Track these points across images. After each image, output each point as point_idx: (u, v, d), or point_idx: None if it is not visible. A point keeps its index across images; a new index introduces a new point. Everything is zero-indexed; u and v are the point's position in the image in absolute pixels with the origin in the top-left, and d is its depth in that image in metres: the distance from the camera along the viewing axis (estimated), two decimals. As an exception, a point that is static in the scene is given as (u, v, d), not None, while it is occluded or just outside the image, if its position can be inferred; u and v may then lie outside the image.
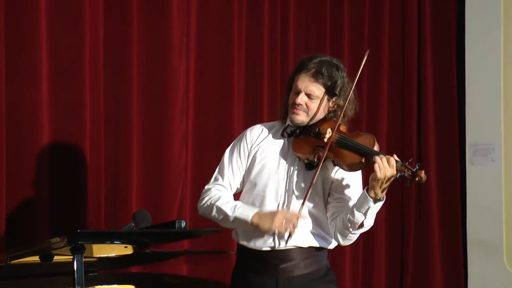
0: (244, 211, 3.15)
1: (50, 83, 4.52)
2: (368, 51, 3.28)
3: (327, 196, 3.21)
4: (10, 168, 4.37)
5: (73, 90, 4.61)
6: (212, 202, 3.25)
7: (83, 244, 2.86)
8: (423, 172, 3.01)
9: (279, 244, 3.14)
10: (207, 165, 5.21)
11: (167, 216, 4.86)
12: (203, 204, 3.31)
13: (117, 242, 3.46)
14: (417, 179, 3.00)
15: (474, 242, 6.53)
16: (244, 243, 3.22)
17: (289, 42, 5.73)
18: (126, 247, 3.52)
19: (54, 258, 3.25)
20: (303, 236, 3.17)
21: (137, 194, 4.86)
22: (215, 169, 5.13)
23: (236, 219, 3.14)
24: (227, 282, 4.12)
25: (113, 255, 3.68)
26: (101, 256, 3.64)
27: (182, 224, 3.55)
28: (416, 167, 3.02)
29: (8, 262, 3.31)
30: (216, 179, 3.37)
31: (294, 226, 3.03)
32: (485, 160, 6.40)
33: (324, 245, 3.24)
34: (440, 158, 6.53)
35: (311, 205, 3.17)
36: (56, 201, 4.52)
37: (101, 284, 3.85)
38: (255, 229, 3.13)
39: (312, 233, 3.19)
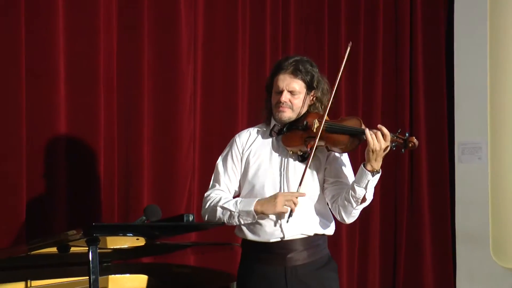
0: (245, 203, 3.17)
1: (67, 86, 4.53)
2: (350, 43, 3.29)
3: (323, 183, 3.23)
4: (30, 165, 4.38)
5: (89, 93, 4.62)
6: (215, 204, 3.26)
7: (97, 236, 2.87)
8: (414, 138, 3.05)
9: (284, 235, 3.15)
10: (213, 163, 5.19)
11: (176, 210, 4.88)
12: (207, 209, 3.32)
13: (130, 235, 3.46)
14: (410, 145, 3.03)
15: (463, 235, 6.53)
16: (252, 237, 3.22)
17: (290, 49, 5.73)
18: (138, 239, 3.52)
19: (71, 249, 3.27)
20: (309, 224, 3.19)
21: (148, 190, 4.87)
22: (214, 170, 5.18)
23: (241, 212, 3.15)
24: (232, 272, 4.13)
25: (126, 246, 3.68)
26: (115, 247, 3.64)
27: (190, 218, 3.56)
28: (406, 134, 3.04)
29: (28, 253, 3.31)
30: (213, 186, 3.38)
31: (295, 203, 3.04)
32: (473, 158, 6.40)
33: (325, 231, 3.26)
34: (430, 156, 6.53)
35: (311, 196, 3.19)
36: (72, 196, 4.53)
37: (115, 273, 3.86)
38: (260, 218, 3.13)
39: (315, 221, 3.21)
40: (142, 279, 3.88)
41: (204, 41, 5.22)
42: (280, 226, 3.16)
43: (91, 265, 2.78)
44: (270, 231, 3.17)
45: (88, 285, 2.76)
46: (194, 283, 3.71)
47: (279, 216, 3.12)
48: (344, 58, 3.20)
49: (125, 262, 3.98)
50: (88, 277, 2.76)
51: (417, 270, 6.50)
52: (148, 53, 4.91)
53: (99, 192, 4.65)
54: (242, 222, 3.20)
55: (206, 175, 5.13)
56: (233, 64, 5.34)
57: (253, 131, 3.39)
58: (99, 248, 2.87)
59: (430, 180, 6.55)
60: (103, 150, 4.68)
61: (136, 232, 3.43)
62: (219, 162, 3.40)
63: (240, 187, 3.34)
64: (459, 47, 6.56)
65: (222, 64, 5.31)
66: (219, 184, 3.35)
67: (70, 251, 3.28)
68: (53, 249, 3.24)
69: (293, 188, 3.15)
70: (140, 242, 3.59)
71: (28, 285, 3.59)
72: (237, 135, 3.42)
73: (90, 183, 4.62)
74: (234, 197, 3.34)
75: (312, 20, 5.94)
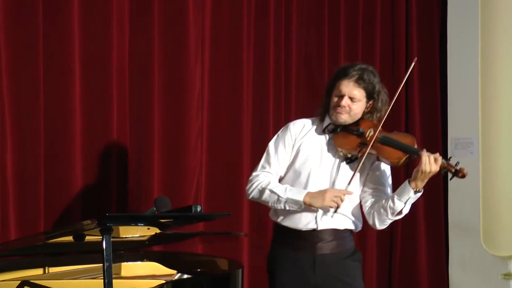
0: (295, 192, 3.16)
1: (82, 84, 4.54)
2: (415, 59, 3.29)
3: (363, 187, 3.24)
4: (47, 159, 4.40)
5: (102, 90, 4.63)
6: (263, 186, 3.24)
7: (111, 226, 2.87)
8: (465, 169, 3.04)
9: (318, 225, 3.16)
10: (220, 156, 5.24)
11: (185, 202, 4.89)
12: (253, 188, 3.29)
13: (141, 225, 3.48)
14: (460, 174, 3.03)
15: (455, 225, 6.54)
16: (288, 224, 3.23)
17: (292, 47, 5.73)
18: (148, 228, 3.53)
19: (86, 238, 3.28)
20: (344, 220, 3.21)
21: (158, 182, 4.88)
22: (227, 159, 5.18)
23: (289, 199, 3.15)
24: (237, 259, 4.15)
25: (137, 235, 3.70)
26: (127, 236, 3.65)
27: (198, 209, 3.57)
28: (457, 164, 3.04)
29: (46, 242, 3.33)
30: (263, 167, 3.35)
31: (342, 200, 3.06)
32: (465, 152, 6.40)
33: (355, 228, 3.29)
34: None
35: (354, 197, 3.20)
36: (87, 188, 4.54)
37: (127, 261, 3.88)
38: (306, 208, 3.13)
39: (349, 218, 3.22)
40: (153, 266, 3.89)
41: (211, 42, 5.22)
42: (315, 218, 3.17)
43: (104, 253, 2.77)
44: (306, 221, 3.18)
45: (102, 272, 2.76)
46: (202, 270, 3.72)
47: (325, 209, 3.13)
48: (407, 73, 3.20)
49: (136, 250, 3.99)
50: (102, 264, 2.76)
51: (412, 257, 6.51)
52: (158, 53, 4.91)
53: (112, 184, 4.67)
54: (287, 208, 3.18)
55: (213, 168, 5.17)
56: (238, 63, 5.34)
57: (307, 123, 3.37)
58: (112, 237, 2.87)
59: (425, 173, 6.55)
60: (116, 145, 4.69)
61: (147, 222, 3.44)
62: (271, 145, 3.37)
63: (286, 172, 3.33)
64: (452, 49, 6.55)
65: (227, 63, 5.31)
66: (269, 167, 3.32)
67: (85, 240, 3.29)
68: (69, 238, 3.25)
69: (340, 186, 3.15)
70: (151, 231, 3.60)
71: (46, 271, 3.61)
72: (291, 123, 3.40)
73: (103, 176, 4.63)
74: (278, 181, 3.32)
75: (312, 21, 5.93)
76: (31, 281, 3.28)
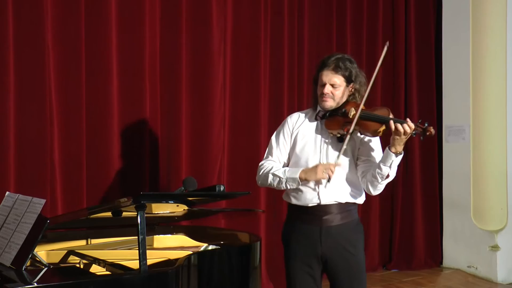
0: (292, 171, 3.17)
1: (119, 80, 4.56)
2: (387, 43, 3.27)
3: (356, 160, 3.23)
4: (89, 146, 4.42)
5: (136, 85, 4.64)
6: (267, 171, 3.25)
7: (144, 203, 2.88)
8: (431, 128, 3.04)
9: (320, 200, 3.16)
10: (240, 142, 5.24)
11: (209, 182, 4.90)
12: (261, 175, 3.30)
13: (171, 202, 3.49)
14: (427, 133, 3.03)
15: (448, 202, 6.52)
16: (296, 201, 3.23)
17: (304, 45, 5.71)
18: (177, 205, 3.54)
19: (123, 214, 3.30)
20: (342, 193, 3.19)
21: (185, 165, 4.89)
22: (246, 145, 5.19)
23: (288, 179, 3.15)
24: (255, 233, 4.15)
25: (168, 212, 3.70)
26: (158, 212, 3.66)
27: (221, 188, 3.58)
28: (425, 124, 3.04)
29: (89, 216, 3.35)
30: (267, 157, 3.37)
31: (332, 172, 3.05)
32: (457, 138, 6.37)
33: (356, 200, 3.26)
34: (422, 137, 6.50)
35: (347, 170, 3.20)
36: (124, 170, 4.56)
37: (159, 234, 3.88)
38: (303, 184, 3.14)
39: (348, 191, 3.21)
40: (182, 238, 3.90)
41: (232, 40, 5.21)
42: (318, 193, 3.16)
43: (139, 227, 2.78)
44: (310, 197, 3.17)
45: (137, 244, 2.78)
46: (224, 242, 3.73)
47: (318, 182, 3.13)
48: (381, 56, 3.19)
49: (167, 224, 4.00)
50: (137, 237, 2.78)
51: (410, 231, 6.49)
52: (185, 50, 4.91)
53: (145, 167, 4.68)
54: (288, 187, 3.18)
55: (234, 152, 5.17)
56: (256, 60, 5.33)
57: (302, 114, 3.38)
58: (146, 213, 2.88)
59: (422, 157, 6.53)
60: (149, 132, 4.70)
61: (176, 200, 3.45)
62: (273, 137, 3.39)
63: (288, 159, 3.34)
64: (446, 46, 6.52)
65: (247, 60, 5.30)
66: (272, 156, 3.34)
67: (122, 215, 3.32)
68: (108, 214, 3.28)
69: (331, 161, 3.16)
70: (180, 208, 3.61)
71: (89, 242, 3.63)
72: (289, 116, 3.42)
73: (137, 159, 4.65)
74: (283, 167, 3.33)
75: (322, 23, 5.90)
76: (76, 250, 3.32)
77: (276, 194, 5.32)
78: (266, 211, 5.20)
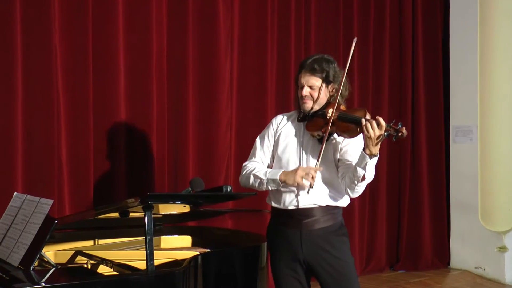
0: (273, 173, 3.16)
1: (126, 80, 4.57)
2: (355, 38, 3.26)
3: (337, 162, 3.21)
4: (96, 146, 4.43)
5: (143, 84, 4.65)
6: (249, 172, 3.25)
7: (152, 203, 2.88)
8: (404, 128, 2.96)
9: (299, 203, 3.14)
10: (247, 142, 5.21)
11: (216, 182, 4.90)
12: (243, 176, 3.31)
13: (178, 203, 3.49)
14: (399, 134, 2.96)
15: (456, 203, 6.51)
16: (275, 204, 3.23)
17: (311, 46, 5.71)
18: (184, 206, 3.54)
19: (130, 214, 3.31)
20: (321, 196, 3.16)
21: (192, 165, 4.90)
22: (253, 145, 5.18)
23: (268, 180, 3.14)
24: (262, 233, 4.15)
25: (175, 212, 3.70)
26: (165, 213, 3.67)
27: (228, 189, 3.57)
28: (398, 125, 2.99)
29: (96, 217, 3.36)
30: (251, 158, 3.36)
31: (313, 178, 3.03)
32: (465, 139, 6.36)
33: (338, 203, 3.22)
34: (429, 137, 6.50)
35: (327, 172, 3.17)
36: (130, 170, 4.57)
37: (165, 234, 3.88)
38: (283, 186, 3.12)
39: (328, 194, 3.18)
40: (188, 239, 3.91)
41: (239, 40, 5.22)
42: (296, 196, 3.14)
43: (146, 227, 2.77)
44: (288, 200, 3.16)
45: (144, 244, 2.78)
46: (231, 243, 3.73)
47: (298, 187, 3.11)
48: (350, 52, 3.17)
49: (174, 225, 4.00)
50: (144, 237, 2.78)
51: (417, 232, 6.48)
52: (192, 51, 4.91)
53: (152, 167, 4.68)
54: (270, 188, 3.18)
55: (241, 152, 5.16)
56: (263, 60, 5.33)
57: (287, 116, 3.38)
58: (153, 214, 2.88)
59: (429, 158, 6.52)
60: (156, 132, 4.70)
61: (183, 201, 3.46)
62: (257, 139, 3.39)
63: (272, 160, 3.34)
64: (454, 46, 6.51)
65: (254, 60, 5.30)
66: (255, 157, 3.34)
67: (129, 216, 3.33)
68: (116, 214, 3.29)
69: (312, 164, 3.14)
70: (186, 209, 3.60)
71: (96, 243, 3.63)
72: (273, 118, 3.41)
73: (144, 159, 4.66)
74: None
75: (329, 24, 5.90)
76: (83, 251, 3.33)
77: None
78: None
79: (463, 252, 6.41)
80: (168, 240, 3.87)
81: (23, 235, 2.83)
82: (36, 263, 2.75)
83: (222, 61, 5.08)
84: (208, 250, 3.52)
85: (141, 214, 2.89)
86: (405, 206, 6.42)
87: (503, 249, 6.01)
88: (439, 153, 6.56)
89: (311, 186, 3.06)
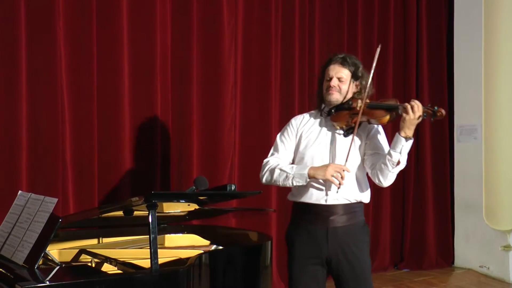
0: (300, 167, 3.15)
1: (130, 79, 4.57)
2: (380, 45, 3.29)
3: (363, 156, 3.22)
4: (100, 144, 4.44)
5: (147, 85, 4.65)
6: (273, 167, 3.24)
7: (156, 202, 2.87)
8: (442, 109, 3.04)
9: (327, 200, 3.15)
10: (251, 141, 5.24)
11: (220, 181, 4.91)
12: (265, 172, 3.29)
13: (182, 201, 3.49)
14: (438, 114, 3.04)
15: (460, 202, 6.50)
16: (302, 199, 3.22)
17: (315, 46, 5.71)
18: (189, 205, 3.53)
19: (134, 213, 3.29)
20: (349, 192, 3.18)
21: (197, 164, 4.90)
22: (257, 144, 5.20)
23: (295, 174, 3.13)
24: (266, 232, 4.15)
25: (179, 211, 3.71)
26: (170, 211, 3.67)
27: (232, 187, 3.57)
28: (435, 107, 3.03)
29: (100, 216, 3.36)
30: (272, 154, 3.37)
31: (342, 177, 3.03)
32: (469, 138, 6.35)
33: (363, 199, 3.24)
34: (433, 136, 6.48)
35: (353, 167, 3.19)
36: (135, 168, 4.58)
37: (170, 233, 3.89)
38: (311, 181, 3.12)
39: (355, 189, 3.20)
40: (192, 238, 3.91)
41: (243, 38, 5.21)
42: (326, 191, 3.15)
43: (150, 226, 2.77)
44: (316, 197, 3.16)
45: (148, 243, 2.78)
46: (235, 241, 3.73)
47: (327, 185, 3.11)
48: (374, 59, 3.20)
49: (178, 224, 4.01)
50: (148, 236, 2.78)
51: (421, 231, 6.47)
52: (196, 50, 4.92)
53: (157, 165, 4.69)
54: (295, 184, 3.16)
55: (245, 152, 5.17)
56: (267, 59, 5.33)
57: (306, 115, 3.40)
58: (157, 212, 2.88)
59: (433, 157, 6.50)
60: (160, 132, 4.71)
61: (188, 199, 3.45)
62: (278, 137, 3.40)
63: (293, 158, 3.34)
64: (458, 45, 6.50)
65: (258, 59, 5.30)
66: (278, 152, 3.34)
67: (134, 214, 3.31)
68: (120, 213, 3.28)
69: (339, 160, 3.15)
70: (191, 207, 3.60)
71: (100, 241, 3.64)
72: (293, 118, 3.43)
73: (149, 158, 4.66)
74: None
75: (333, 22, 5.89)
76: (88, 249, 3.33)
77: (287, 193, 5.31)
78: (277, 211, 5.19)
79: (468, 251, 6.40)
80: (172, 239, 3.87)
81: (28, 234, 2.83)
82: (40, 262, 2.75)
83: (226, 61, 5.08)
84: (212, 248, 3.52)
85: (145, 213, 2.89)
86: (409, 204, 6.41)
87: (507, 248, 6.00)
88: (444, 152, 6.55)
89: (339, 187, 3.07)
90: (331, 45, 5.82)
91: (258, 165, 5.16)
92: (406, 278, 6.03)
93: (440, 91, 6.57)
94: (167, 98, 4.77)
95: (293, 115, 5.41)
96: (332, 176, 3.05)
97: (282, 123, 5.38)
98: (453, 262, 6.54)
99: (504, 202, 6.14)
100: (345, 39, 5.95)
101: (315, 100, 3.40)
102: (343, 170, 3.06)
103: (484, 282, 5.98)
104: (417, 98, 6.38)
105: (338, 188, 3.09)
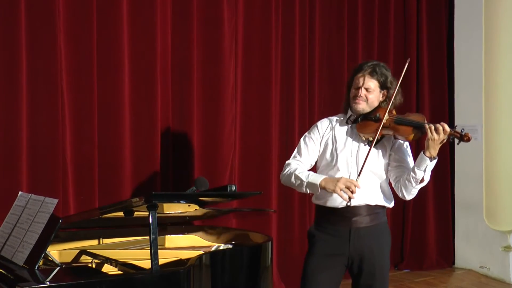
0: (315, 177, 3.18)
1: (131, 80, 4.56)
2: (408, 59, 3.33)
3: (387, 166, 3.25)
4: (100, 145, 4.43)
5: (148, 85, 4.64)
6: (292, 171, 3.27)
7: (156, 203, 2.88)
8: (469, 134, 3.07)
9: (351, 203, 3.17)
10: (251, 142, 5.24)
11: (221, 182, 4.89)
12: (285, 174, 3.33)
13: (183, 202, 3.49)
14: (465, 139, 3.06)
15: (460, 202, 6.49)
16: (325, 203, 3.25)
17: (315, 46, 5.70)
18: (189, 205, 3.54)
19: (135, 213, 3.30)
20: (372, 196, 3.22)
21: (197, 164, 4.89)
22: (258, 145, 5.20)
23: (309, 183, 3.17)
24: (266, 233, 4.14)
25: (179, 212, 3.71)
26: (170, 212, 3.67)
27: (233, 188, 3.58)
28: (462, 131, 3.06)
29: (100, 216, 3.36)
30: (295, 156, 3.39)
31: (353, 192, 3.06)
32: (470, 138, 6.34)
33: (385, 204, 3.28)
34: (433, 136, 6.47)
35: (376, 173, 3.22)
36: (135, 169, 4.57)
37: (170, 234, 3.89)
38: (322, 190, 3.16)
39: (378, 195, 3.23)
40: (193, 238, 3.91)
41: (243, 41, 5.21)
42: (348, 196, 3.18)
43: (151, 227, 2.78)
44: (340, 199, 3.19)
45: (149, 243, 2.78)
46: (235, 242, 3.73)
47: (339, 197, 3.15)
48: (402, 72, 3.22)
49: (179, 224, 4.00)
50: (149, 237, 2.78)
51: (422, 231, 6.46)
52: (196, 51, 4.91)
53: (157, 166, 4.67)
54: (308, 192, 3.22)
55: (245, 152, 5.17)
56: (267, 60, 5.32)
57: (332, 119, 3.42)
58: (157, 213, 2.88)
59: (434, 157, 6.50)
60: (160, 132, 4.70)
61: (188, 200, 3.45)
62: (302, 139, 3.43)
63: (317, 162, 3.36)
64: (459, 45, 6.50)
65: (258, 60, 5.29)
66: (300, 156, 3.37)
67: (134, 215, 3.32)
68: (120, 213, 3.28)
69: (366, 167, 3.16)
70: (191, 208, 3.61)
71: (101, 242, 3.64)
72: (319, 122, 3.45)
73: (149, 159, 4.65)
74: (309, 170, 3.35)
75: (333, 24, 5.89)
76: (88, 250, 3.33)
77: (288, 194, 5.32)
78: (278, 211, 5.20)
79: (468, 251, 6.39)
80: (173, 240, 3.87)
81: (28, 234, 2.83)
82: (40, 262, 2.75)
83: (226, 61, 5.07)
84: (214, 248, 3.52)
85: (145, 214, 2.89)
86: (410, 205, 6.40)
87: (508, 248, 6.00)
88: (444, 152, 6.53)
89: (350, 199, 3.09)
90: (331, 45, 5.82)
91: (258, 166, 5.22)
92: (407, 278, 6.03)
93: (440, 91, 6.57)
94: (167, 98, 4.77)
95: (293, 115, 5.47)
96: (342, 190, 3.07)
97: (283, 123, 5.41)
98: (453, 263, 6.53)
99: (505, 203, 6.14)
100: (345, 39, 5.94)
101: (341, 104, 3.43)
102: (355, 185, 3.08)
103: (484, 283, 5.98)
104: (417, 98, 6.49)
105: (347, 202, 3.12)
